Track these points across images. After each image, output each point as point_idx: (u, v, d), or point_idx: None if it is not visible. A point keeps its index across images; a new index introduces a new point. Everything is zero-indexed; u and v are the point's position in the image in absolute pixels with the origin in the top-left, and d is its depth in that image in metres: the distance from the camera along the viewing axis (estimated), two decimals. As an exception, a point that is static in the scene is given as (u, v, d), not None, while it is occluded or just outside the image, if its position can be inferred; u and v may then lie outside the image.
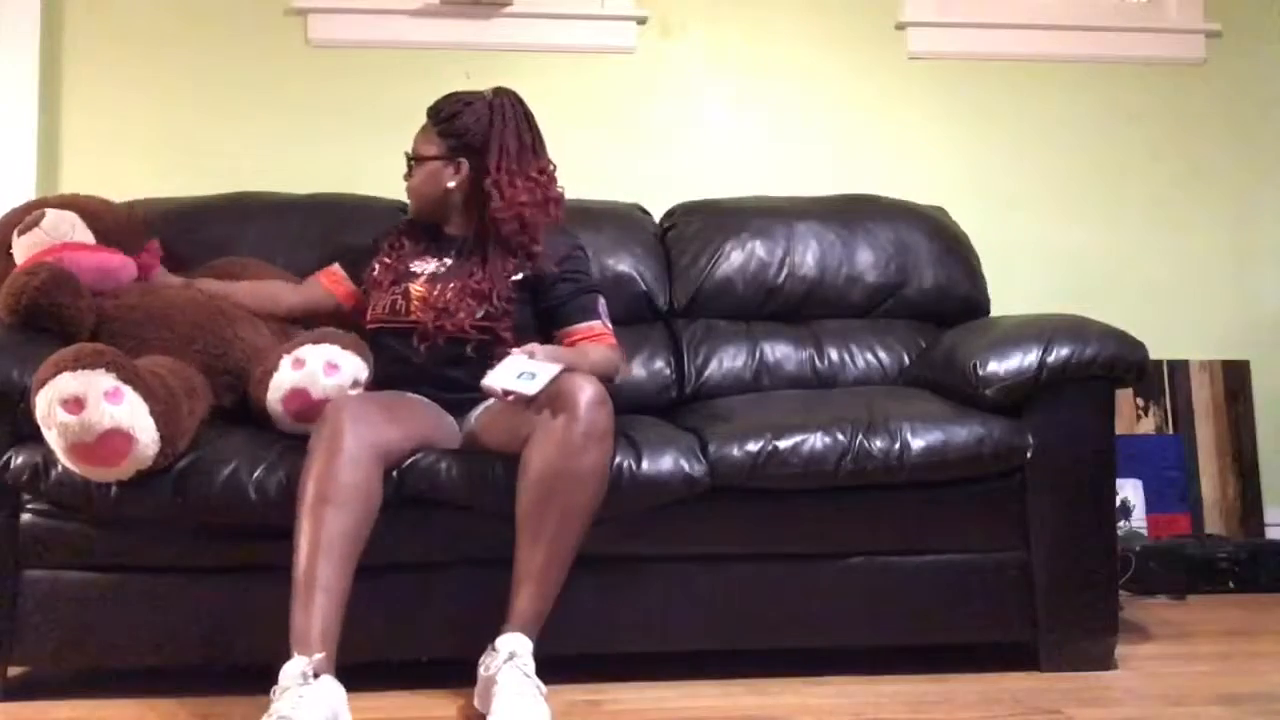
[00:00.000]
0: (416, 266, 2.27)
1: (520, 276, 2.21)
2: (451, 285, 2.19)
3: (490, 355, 2.09)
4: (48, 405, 1.81)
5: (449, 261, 2.26)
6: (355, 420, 1.86)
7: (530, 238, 2.21)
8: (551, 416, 1.85)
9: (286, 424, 2.05)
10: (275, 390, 2.04)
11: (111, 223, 2.32)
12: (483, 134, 2.25)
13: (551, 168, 2.30)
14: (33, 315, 2.05)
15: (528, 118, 2.31)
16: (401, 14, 3.12)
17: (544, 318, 2.24)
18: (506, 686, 1.70)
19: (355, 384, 2.06)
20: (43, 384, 1.82)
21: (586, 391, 1.86)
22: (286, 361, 2.04)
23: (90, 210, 2.31)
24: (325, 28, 3.11)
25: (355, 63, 3.09)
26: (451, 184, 2.28)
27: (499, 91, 2.32)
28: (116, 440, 1.82)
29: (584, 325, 2.22)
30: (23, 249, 2.22)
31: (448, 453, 2.03)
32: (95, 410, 1.80)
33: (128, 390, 1.83)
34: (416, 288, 2.22)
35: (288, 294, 2.39)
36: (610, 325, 2.26)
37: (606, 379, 2.07)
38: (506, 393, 1.87)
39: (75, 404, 1.80)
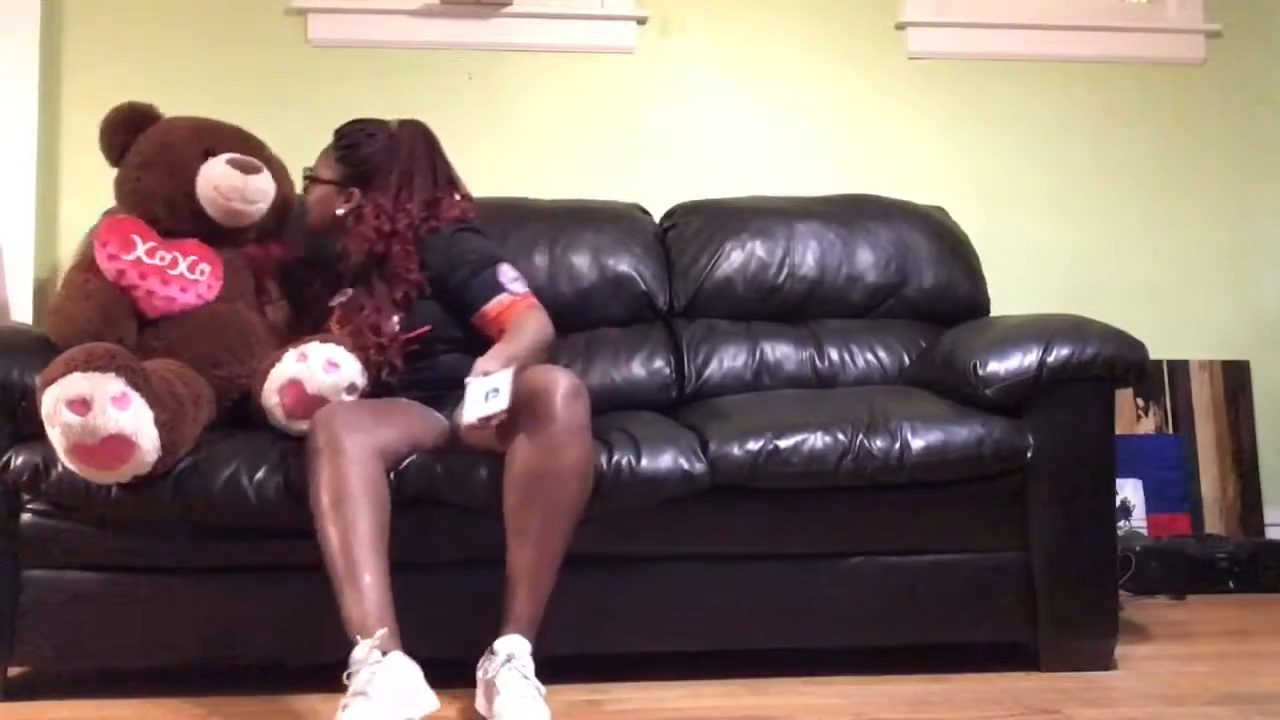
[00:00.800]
0: (332, 301, 2.29)
1: (401, 295, 2.18)
2: (353, 319, 2.19)
3: (423, 354, 2.16)
4: (54, 403, 1.80)
5: (350, 291, 2.27)
6: (349, 426, 1.87)
7: (402, 266, 2.19)
8: (529, 416, 1.83)
9: (279, 417, 2.05)
10: (273, 380, 2.04)
11: (282, 209, 2.36)
12: (375, 166, 2.27)
13: (445, 202, 2.27)
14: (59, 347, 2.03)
15: (429, 151, 2.32)
16: (401, 14, 3.11)
17: (456, 310, 2.21)
18: (506, 689, 1.70)
19: (352, 387, 2.06)
20: (51, 381, 1.81)
21: (561, 386, 1.83)
22: (292, 355, 2.06)
23: (287, 192, 2.38)
24: (325, 28, 3.11)
25: (355, 63, 3.08)
26: (340, 210, 2.31)
27: (404, 124, 2.34)
28: (119, 445, 1.82)
29: (493, 303, 2.17)
30: (217, 176, 2.23)
31: (445, 453, 2.04)
32: (101, 414, 1.79)
33: (135, 397, 1.82)
34: (334, 325, 2.24)
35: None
36: (522, 287, 2.21)
37: (548, 346, 2.15)
38: (485, 420, 1.82)
39: (82, 405, 1.79)
